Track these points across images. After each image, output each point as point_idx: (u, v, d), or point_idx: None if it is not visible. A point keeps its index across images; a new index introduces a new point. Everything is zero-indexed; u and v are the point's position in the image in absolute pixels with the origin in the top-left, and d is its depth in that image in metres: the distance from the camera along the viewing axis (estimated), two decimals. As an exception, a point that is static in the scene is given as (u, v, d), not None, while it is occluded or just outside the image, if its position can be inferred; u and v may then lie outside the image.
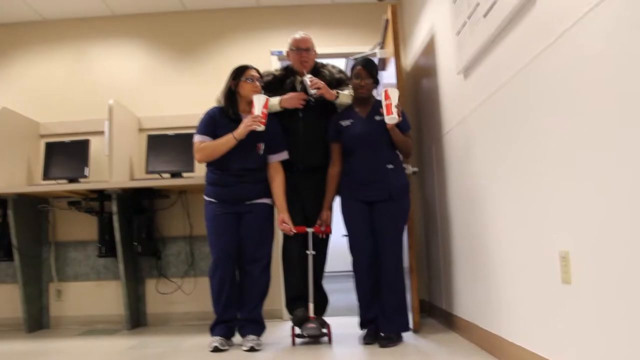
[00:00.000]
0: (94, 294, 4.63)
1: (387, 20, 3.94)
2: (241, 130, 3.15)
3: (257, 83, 3.28)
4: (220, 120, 3.28)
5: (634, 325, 1.51)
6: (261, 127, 3.12)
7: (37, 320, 4.48)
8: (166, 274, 4.60)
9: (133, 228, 4.32)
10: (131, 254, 4.35)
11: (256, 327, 3.32)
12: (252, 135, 3.20)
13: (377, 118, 3.19)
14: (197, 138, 3.28)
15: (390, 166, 3.21)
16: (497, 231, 2.61)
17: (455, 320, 3.43)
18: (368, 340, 3.21)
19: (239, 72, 3.30)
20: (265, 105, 3.15)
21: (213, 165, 3.29)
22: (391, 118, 3.03)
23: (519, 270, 2.35)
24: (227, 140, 3.18)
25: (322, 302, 3.54)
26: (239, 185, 3.24)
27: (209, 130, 3.26)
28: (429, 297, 4.25)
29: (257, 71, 3.34)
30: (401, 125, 3.21)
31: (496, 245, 2.63)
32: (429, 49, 3.85)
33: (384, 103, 3.06)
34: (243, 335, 3.30)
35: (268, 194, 3.33)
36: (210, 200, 3.29)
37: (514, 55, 2.31)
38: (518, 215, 2.34)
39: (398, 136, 3.20)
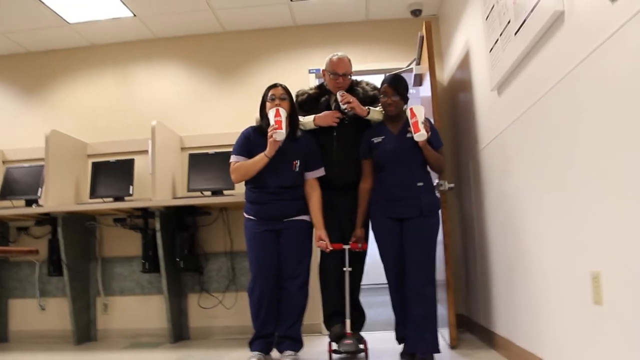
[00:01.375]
0: (139, 308, 4.78)
1: (422, 37, 3.97)
2: (269, 147, 3.19)
3: (278, 100, 3.30)
4: (255, 139, 3.34)
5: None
6: (280, 134, 3.13)
7: (84, 333, 4.65)
8: (208, 289, 4.71)
9: (176, 244, 4.45)
10: (174, 269, 4.47)
11: (294, 343, 3.35)
12: (288, 152, 3.27)
13: (409, 135, 3.16)
14: (232, 159, 3.36)
15: (420, 184, 3.18)
16: (534, 248, 2.60)
17: (493, 337, 3.40)
18: (407, 357, 3.20)
19: (265, 92, 3.39)
20: (277, 114, 3.18)
21: (251, 184, 3.36)
22: (420, 135, 3.02)
23: (555, 289, 2.33)
24: (260, 159, 3.23)
25: (359, 317, 3.55)
26: (277, 202, 3.29)
27: (244, 150, 3.34)
28: (467, 312, 4.22)
29: (284, 88, 3.38)
30: (432, 142, 3.18)
31: (533, 263, 2.61)
32: (464, 64, 3.86)
33: (410, 121, 3.08)
34: (281, 351, 3.34)
35: (306, 211, 3.37)
36: (249, 218, 3.36)
37: (545, 73, 2.31)
38: (553, 232, 2.33)
39: (430, 153, 3.18)
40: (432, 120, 3.48)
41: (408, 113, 3.12)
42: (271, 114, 3.21)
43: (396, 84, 3.24)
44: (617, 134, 1.72)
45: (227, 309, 4.66)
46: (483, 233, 3.57)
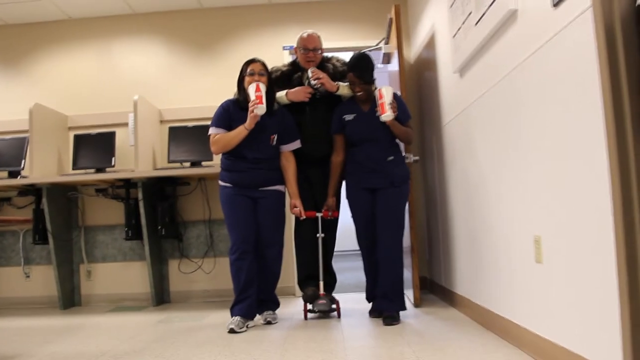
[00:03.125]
0: (121, 274, 5.02)
1: (391, 20, 4.23)
2: (249, 121, 3.32)
3: (257, 76, 3.40)
4: (234, 111, 3.46)
5: (585, 296, 1.84)
6: (261, 109, 3.27)
7: (70, 298, 4.89)
8: (187, 255, 4.98)
9: (157, 213, 4.68)
10: (155, 237, 4.73)
11: (272, 304, 3.64)
12: (266, 126, 3.43)
13: (378, 113, 3.34)
14: (212, 130, 3.48)
15: (390, 158, 3.44)
16: (489, 215, 2.93)
17: (453, 296, 3.77)
18: (375, 314, 3.55)
19: (243, 67, 3.49)
20: (257, 89, 3.28)
21: (228, 153, 3.49)
22: (386, 116, 3.25)
23: (506, 251, 2.68)
24: (239, 132, 3.36)
25: (331, 280, 3.86)
26: (253, 171, 3.45)
27: (224, 123, 3.45)
28: (430, 275, 4.59)
29: (263, 64, 3.48)
30: (400, 117, 3.39)
31: (489, 229, 2.95)
32: (430, 45, 4.14)
33: (378, 102, 3.29)
34: (260, 312, 3.58)
35: (280, 181, 3.57)
36: (225, 185, 3.50)
37: (501, 61, 2.61)
38: (505, 201, 2.66)
39: (398, 129, 3.41)
40: (399, 94, 3.68)
41: (376, 94, 3.33)
42: (251, 89, 3.32)
43: (360, 72, 3.41)
44: (554, 120, 2.04)
45: (206, 274, 4.95)
46: (445, 202, 3.91)
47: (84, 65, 5.26)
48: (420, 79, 4.70)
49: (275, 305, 3.68)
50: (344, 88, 3.59)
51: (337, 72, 3.70)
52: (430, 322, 3.37)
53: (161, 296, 4.85)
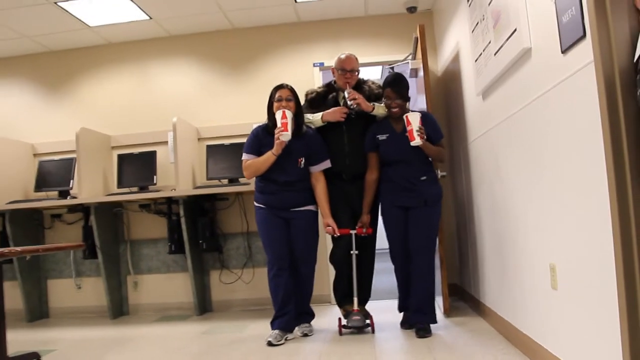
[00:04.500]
0: (165, 285, 5.30)
1: (416, 38, 4.37)
2: (275, 147, 3.50)
3: (284, 102, 3.56)
4: (263, 137, 3.65)
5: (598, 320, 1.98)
6: (286, 136, 3.44)
7: (118, 308, 5.19)
8: (228, 266, 5.22)
9: (198, 228, 4.94)
10: (197, 250, 4.98)
11: (307, 316, 3.85)
12: (294, 150, 3.59)
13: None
14: (244, 157, 3.68)
15: (423, 178, 3.55)
16: (510, 234, 3.07)
17: (481, 306, 3.92)
18: (406, 326, 3.71)
19: (272, 92, 3.66)
20: (283, 116, 3.44)
21: (260, 176, 3.69)
22: (415, 143, 3.37)
23: (527, 274, 2.82)
24: (267, 158, 3.56)
25: (366, 295, 3.95)
26: (284, 193, 3.63)
27: (254, 149, 3.65)
28: (460, 282, 4.73)
29: (291, 89, 3.63)
30: (431, 136, 3.51)
31: (513, 248, 3.09)
32: (455, 60, 4.27)
33: (407, 128, 3.39)
34: (297, 324, 3.78)
35: (311, 201, 3.72)
36: (259, 206, 3.70)
37: (518, 93, 2.75)
38: (525, 226, 2.80)
39: (430, 150, 3.52)
40: (431, 114, 3.76)
41: (404, 121, 3.43)
42: (278, 116, 3.48)
43: (398, 87, 3.54)
44: (567, 155, 2.17)
45: (246, 284, 5.18)
46: (472, 215, 4.04)
47: (123, 86, 5.55)
48: (447, 92, 4.82)
49: (310, 316, 3.89)
50: (379, 108, 3.71)
51: (373, 94, 3.84)
52: (458, 335, 3.50)
53: (204, 305, 5.11)
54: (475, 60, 3.45)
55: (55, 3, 4.52)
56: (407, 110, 3.56)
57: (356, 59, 3.88)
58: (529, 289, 2.81)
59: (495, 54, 2.96)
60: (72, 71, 5.62)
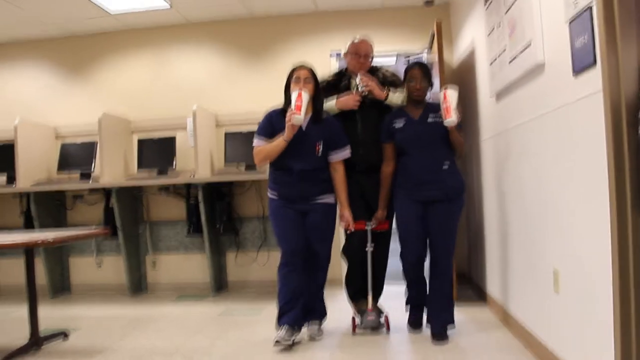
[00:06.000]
0: (183, 265, 5.51)
1: (433, 34, 4.45)
2: (287, 131, 3.20)
3: (302, 82, 3.27)
4: (277, 121, 3.33)
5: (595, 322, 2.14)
6: (298, 119, 3.13)
7: (137, 285, 5.41)
8: (244, 248, 5.42)
9: (216, 212, 5.13)
10: (214, 232, 5.17)
11: (316, 314, 3.56)
12: (311, 136, 3.31)
13: (430, 120, 3.25)
14: (255, 142, 3.40)
15: (445, 166, 3.27)
16: (515, 237, 3.21)
17: (486, 295, 4.12)
18: (415, 326, 3.53)
19: (290, 72, 3.36)
20: (298, 98, 3.15)
21: (274, 166, 3.41)
22: (450, 121, 3.08)
23: (529, 278, 2.97)
24: (277, 143, 3.26)
25: (379, 291, 3.78)
26: (300, 184, 3.35)
27: (266, 133, 3.35)
28: (468, 271, 4.90)
29: (310, 70, 3.34)
30: (458, 125, 3.22)
31: (517, 245, 3.23)
32: (471, 57, 4.35)
33: (442, 105, 3.10)
34: (305, 320, 3.51)
35: (329, 191, 3.42)
36: (273, 197, 3.44)
37: (530, 103, 2.86)
38: (528, 231, 2.94)
39: (456, 137, 3.24)
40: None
41: (441, 96, 3.15)
42: (293, 97, 3.18)
43: (425, 69, 3.34)
44: (575, 168, 2.30)
45: (261, 266, 5.37)
46: (481, 211, 4.18)
47: (143, 71, 5.69)
48: (462, 87, 4.87)
49: (320, 315, 3.60)
50: (393, 97, 3.53)
51: (387, 82, 3.63)
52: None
53: (220, 285, 5.31)
54: (490, 64, 3.55)
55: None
56: (425, 100, 3.39)
57: (371, 44, 3.70)
58: (532, 293, 2.97)
59: (509, 62, 3.06)
60: (93, 55, 5.74)
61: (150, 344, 3.61)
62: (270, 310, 4.37)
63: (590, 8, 2.02)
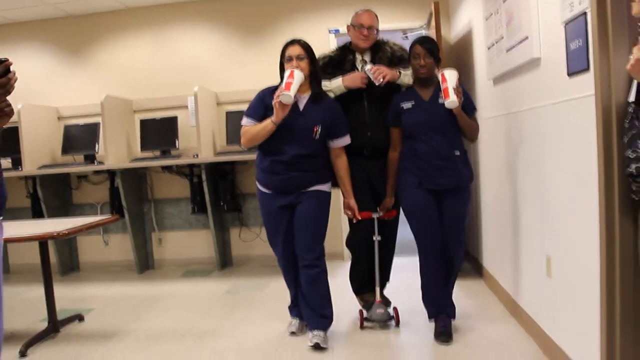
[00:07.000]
0: (188, 241, 5.66)
1: (431, 14, 4.48)
2: (275, 112, 2.92)
3: (295, 61, 3.01)
4: (270, 101, 3.00)
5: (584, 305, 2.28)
6: (286, 97, 2.84)
7: (144, 263, 5.57)
8: (247, 224, 5.56)
9: (219, 190, 5.25)
10: (218, 210, 5.30)
11: (323, 321, 3.21)
12: (309, 117, 3.05)
13: (441, 101, 2.97)
14: (243, 121, 3.13)
15: (457, 152, 3.06)
16: (515, 206, 3.33)
17: (482, 269, 4.29)
18: (444, 338, 3.10)
19: (283, 50, 3.10)
20: (291, 75, 2.91)
21: (264, 150, 3.14)
22: (450, 102, 2.86)
23: (526, 262, 3.10)
24: (265, 125, 2.99)
25: (386, 281, 3.66)
26: (290, 173, 3.06)
27: (257, 113, 3.08)
28: (467, 246, 5.04)
29: (303, 45, 3.06)
30: (465, 108, 3.01)
31: (513, 218, 3.36)
32: (469, 36, 4.39)
33: (441, 86, 2.93)
34: (309, 326, 3.25)
35: (323, 180, 3.16)
36: (262, 191, 3.20)
37: (526, 93, 2.95)
38: (526, 214, 3.06)
39: (465, 120, 3.02)
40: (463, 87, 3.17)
41: (439, 77, 2.98)
42: (285, 75, 2.95)
43: (429, 45, 3.07)
44: (568, 159, 2.40)
45: (264, 241, 5.47)
46: (478, 187, 4.30)
47: (143, 51, 5.70)
48: (460, 65, 4.96)
49: (326, 320, 3.24)
50: (405, 76, 3.27)
51: (395, 57, 3.39)
52: (462, 301, 3.75)
53: (224, 260, 5.47)
54: (488, 49, 3.60)
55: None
56: (435, 76, 3.09)
57: (376, 16, 3.44)
58: (528, 276, 3.12)
59: (507, 51, 3.13)
60: (93, 35, 5.75)
61: (162, 325, 3.77)
62: (274, 286, 4.56)
63: (585, 14, 2.10)
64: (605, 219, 2.04)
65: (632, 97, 1.88)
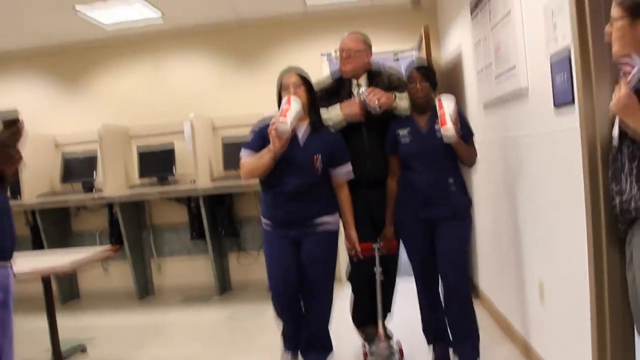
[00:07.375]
0: (187, 267, 5.71)
1: (421, 37, 4.57)
2: (272, 142, 2.82)
3: (292, 88, 2.91)
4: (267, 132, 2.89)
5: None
6: (282, 125, 2.74)
7: (144, 289, 5.60)
8: (245, 248, 5.60)
9: (217, 217, 5.30)
10: (216, 236, 5.35)
11: (321, 351, 3.16)
12: (308, 146, 2.96)
13: (437, 127, 2.91)
14: (242, 153, 3.01)
15: (451, 180, 3.00)
16: (511, 230, 3.37)
17: (477, 289, 4.34)
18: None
19: (279, 80, 3.01)
20: (287, 102, 2.81)
21: (265, 184, 3.03)
22: (446, 129, 2.80)
23: (517, 287, 3.16)
24: (262, 155, 2.88)
25: (388, 311, 3.53)
26: (295, 203, 2.95)
27: (255, 145, 2.96)
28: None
29: (299, 74, 2.98)
30: (463, 135, 2.95)
31: (509, 241, 3.41)
32: (459, 59, 4.47)
33: (438, 112, 2.86)
34: (306, 358, 3.16)
35: (327, 211, 3.03)
36: (266, 224, 3.10)
37: (515, 121, 3.03)
38: (518, 239, 3.12)
39: (462, 148, 2.95)
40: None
41: (436, 102, 2.93)
42: (282, 103, 2.85)
43: (424, 69, 3.05)
44: (556, 187, 2.47)
45: (262, 265, 5.50)
46: (473, 209, 4.35)
47: (138, 79, 5.80)
48: (451, 89, 5.03)
49: (325, 351, 3.20)
50: (401, 100, 3.19)
51: (393, 87, 3.28)
52: None
53: (224, 286, 5.50)
54: (478, 73, 3.68)
55: (74, 8, 4.70)
56: (431, 101, 3.03)
57: (363, 38, 3.37)
58: (521, 301, 3.17)
59: (496, 78, 3.20)
60: (89, 66, 5.84)
61: (165, 354, 3.81)
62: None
63: (570, 49, 2.17)
64: (593, 249, 2.10)
65: (615, 132, 1.94)
